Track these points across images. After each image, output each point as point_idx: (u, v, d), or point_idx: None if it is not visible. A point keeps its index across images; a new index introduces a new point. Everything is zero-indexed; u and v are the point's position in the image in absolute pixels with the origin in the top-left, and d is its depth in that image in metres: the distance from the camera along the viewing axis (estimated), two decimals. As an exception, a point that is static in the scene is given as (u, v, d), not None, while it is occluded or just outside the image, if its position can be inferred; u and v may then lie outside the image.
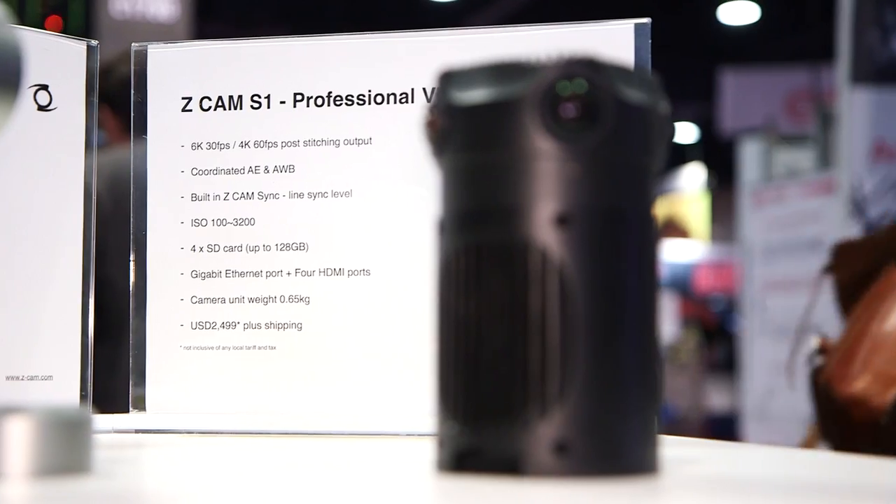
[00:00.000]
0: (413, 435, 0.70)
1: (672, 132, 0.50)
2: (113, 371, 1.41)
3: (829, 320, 3.37)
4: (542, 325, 0.46)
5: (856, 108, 3.11)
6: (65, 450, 0.47)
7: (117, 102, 1.92)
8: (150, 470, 0.56)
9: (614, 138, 0.47)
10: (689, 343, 7.11)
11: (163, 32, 4.63)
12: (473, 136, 0.48)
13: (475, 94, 0.48)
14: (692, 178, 9.87)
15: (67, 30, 4.64)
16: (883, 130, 3.10)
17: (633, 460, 0.47)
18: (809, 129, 4.56)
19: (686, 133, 9.71)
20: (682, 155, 9.52)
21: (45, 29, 0.78)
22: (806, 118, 5.20)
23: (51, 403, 0.48)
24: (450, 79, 0.49)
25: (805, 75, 5.67)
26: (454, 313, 0.48)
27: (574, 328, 0.46)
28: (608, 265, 0.47)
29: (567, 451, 0.46)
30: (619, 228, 0.47)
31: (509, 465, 0.46)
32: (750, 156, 4.46)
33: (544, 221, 0.46)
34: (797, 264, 3.55)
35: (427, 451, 0.51)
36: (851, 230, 3.11)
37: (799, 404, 3.47)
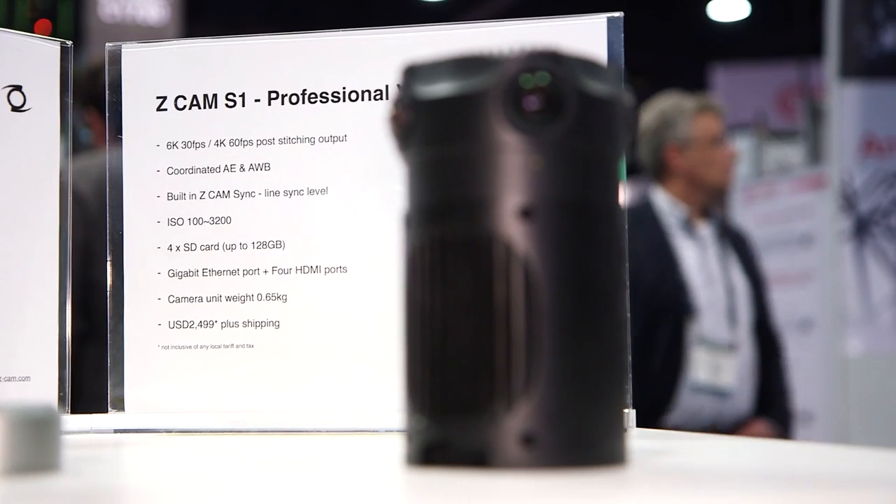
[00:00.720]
0: (390, 431, 0.70)
1: (636, 123, 0.50)
2: (100, 372, 1.41)
3: (821, 316, 3.37)
4: (508, 317, 0.46)
5: (845, 103, 3.11)
6: (33, 448, 0.47)
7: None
8: (120, 468, 0.55)
9: (578, 130, 0.47)
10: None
11: (152, 35, 4.63)
12: (437, 129, 0.48)
13: (439, 88, 0.48)
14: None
15: (57, 34, 4.63)
16: (873, 125, 3.11)
17: (601, 452, 0.47)
18: (799, 124, 4.57)
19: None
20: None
21: (34, 34, 0.78)
22: (796, 114, 5.21)
23: (19, 402, 0.48)
24: (413, 73, 0.49)
25: (794, 71, 5.67)
26: (420, 307, 0.48)
27: (539, 320, 0.46)
28: (573, 257, 0.47)
29: (534, 444, 0.46)
30: (584, 220, 0.47)
31: (477, 458, 0.46)
32: (740, 151, 4.46)
33: (509, 214, 0.46)
34: (788, 259, 3.56)
35: (400, 446, 0.51)
36: (842, 225, 3.11)
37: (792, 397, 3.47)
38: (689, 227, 2.35)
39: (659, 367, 2.22)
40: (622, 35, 0.71)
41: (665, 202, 2.36)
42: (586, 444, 0.47)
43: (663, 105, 2.42)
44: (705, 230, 2.37)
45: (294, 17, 6.84)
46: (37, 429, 0.47)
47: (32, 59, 0.75)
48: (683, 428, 2.18)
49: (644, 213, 2.34)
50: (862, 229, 3.10)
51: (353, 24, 0.77)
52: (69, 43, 0.77)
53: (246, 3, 7.22)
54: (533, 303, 0.46)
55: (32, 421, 0.47)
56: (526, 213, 0.46)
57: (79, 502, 0.41)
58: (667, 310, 2.24)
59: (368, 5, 6.80)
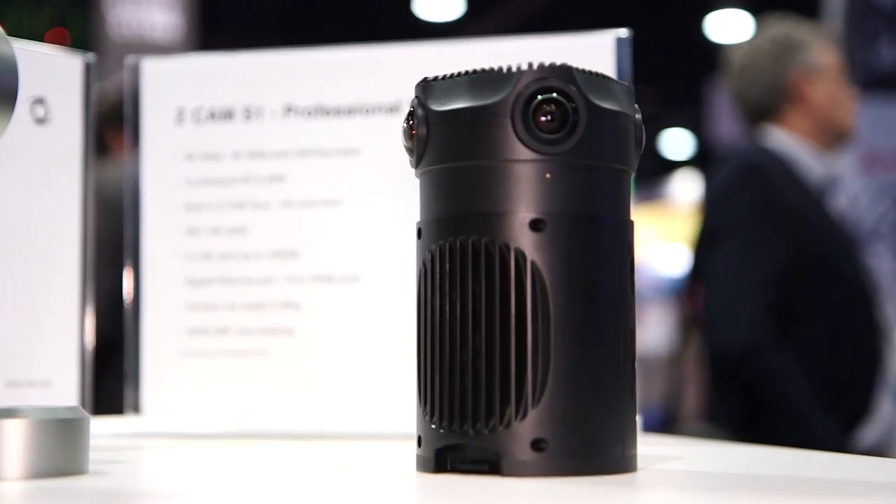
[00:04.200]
0: (402, 437, 0.72)
1: (644, 138, 0.51)
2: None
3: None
4: (519, 326, 0.47)
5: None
6: (59, 451, 0.48)
7: None
8: (144, 471, 0.57)
9: (589, 145, 0.49)
10: (690, 349, 7.07)
11: (164, 49, 4.65)
12: (450, 143, 0.49)
13: (452, 103, 0.49)
14: (687, 186, 9.84)
15: (71, 44, 4.66)
16: (875, 140, 3.10)
17: (611, 458, 0.49)
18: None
19: (679, 141, 9.69)
20: (675, 163, 9.50)
21: (54, 45, 0.79)
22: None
23: (45, 405, 0.50)
24: (428, 88, 0.51)
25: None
26: (433, 315, 0.49)
27: (550, 329, 0.47)
28: (583, 268, 0.48)
29: (545, 450, 0.47)
30: (594, 233, 0.49)
31: (489, 463, 0.48)
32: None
33: (520, 226, 0.48)
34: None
35: (412, 451, 0.52)
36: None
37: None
38: (830, 189, 1.86)
39: (857, 366, 1.75)
40: (630, 53, 0.73)
41: (804, 151, 1.83)
42: (596, 451, 0.48)
43: (779, 31, 1.91)
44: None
45: (305, 32, 6.86)
46: (64, 431, 0.48)
47: (55, 72, 0.77)
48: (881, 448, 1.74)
49: (783, 169, 1.79)
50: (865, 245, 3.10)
51: (361, 38, 0.78)
52: (92, 55, 0.79)
53: (259, 16, 7.25)
54: (544, 312, 0.47)
55: (59, 424, 0.48)
56: (538, 226, 0.48)
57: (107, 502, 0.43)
58: (855, 288, 1.76)
59: (377, 18, 6.82)
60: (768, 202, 1.73)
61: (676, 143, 9.63)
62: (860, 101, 2.92)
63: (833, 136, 1.87)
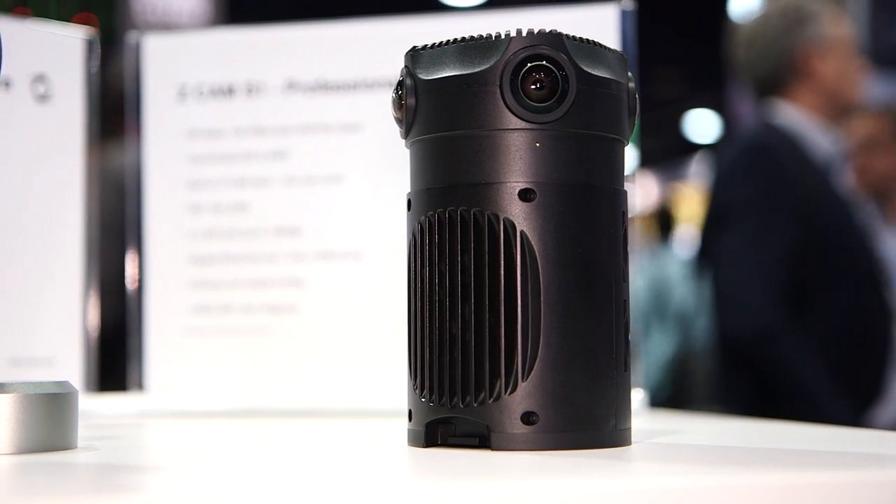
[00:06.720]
0: (402, 412, 0.71)
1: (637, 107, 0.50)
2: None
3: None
4: (509, 298, 0.47)
5: (869, 95, 3.08)
6: (46, 426, 0.48)
7: None
8: (133, 447, 0.57)
9: (580, 114, 0.48)
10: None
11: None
12: (439, 113, 0.49)
13: (441, 72, 0.49)
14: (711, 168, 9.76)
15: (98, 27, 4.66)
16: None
17: (603, 432, 0.48)
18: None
19: (702, 120, 9.62)
20: (699, 145, 9.43)
21: (63, 23, 0.79)
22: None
23: (33, 380, 0.49)
24: (417, 57, 0.50)
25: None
26: (423, 288, 0.49)
27: (540, 301, 0.47)
28: (574, 239, 0.48)
29: (535, 423, 0.46)
30: (586, 202, 0.48)
31: (479, 437, 0.47)
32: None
33: (510, 196, 0.47)
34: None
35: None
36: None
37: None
38: (837, 165, 1.84)
39: (868, 346, 1.75)
40: (634, 24, 0.72)
41: (812, 127, 1.80)
42: (588, 424, 0.47)
43: (790, 1, 1.87)
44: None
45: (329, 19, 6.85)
46: (51, 406, 0.48)
47: (57, 49, 0.77)
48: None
49: (791, 147, 1.77)
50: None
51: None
52: (93, 32, 0.79)
53: (285, 2, 7.26)
54: (533, 283, 0.47)
55: (46, 398, 0.48)
56: (528, 196, 0.47)
57: (86, 475, 0.42)
58: (864, 266, 1.76)
59: (401, 6, 6.81)
60: (777, 183, 1.72)
61: (700, 124, 9.55)
62: (884, 80, 2.88)
63: (840, 110, 1.86)
